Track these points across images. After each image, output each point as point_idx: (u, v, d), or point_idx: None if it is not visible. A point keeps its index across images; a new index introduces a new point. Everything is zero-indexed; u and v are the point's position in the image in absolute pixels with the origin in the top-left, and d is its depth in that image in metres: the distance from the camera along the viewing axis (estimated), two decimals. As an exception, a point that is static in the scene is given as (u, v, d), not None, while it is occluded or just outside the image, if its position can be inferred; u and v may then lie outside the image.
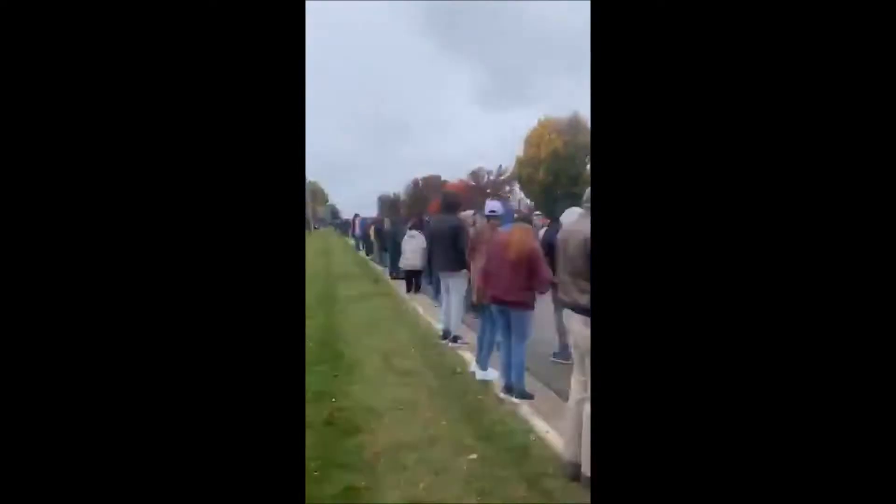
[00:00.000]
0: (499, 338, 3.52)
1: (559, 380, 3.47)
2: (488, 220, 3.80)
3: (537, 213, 6.83)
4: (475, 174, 46.65)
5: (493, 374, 3.61)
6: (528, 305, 3.20)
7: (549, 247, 3.29)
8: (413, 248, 8.14)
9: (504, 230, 3.54)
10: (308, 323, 5.37)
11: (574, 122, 30.43)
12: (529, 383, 3.41)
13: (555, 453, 2.55)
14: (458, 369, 3.95)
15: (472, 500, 2.16)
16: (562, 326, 3.74)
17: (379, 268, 12.43)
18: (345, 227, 29.07)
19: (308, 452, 2.39)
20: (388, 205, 50.72)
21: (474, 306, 4.80)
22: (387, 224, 12.14)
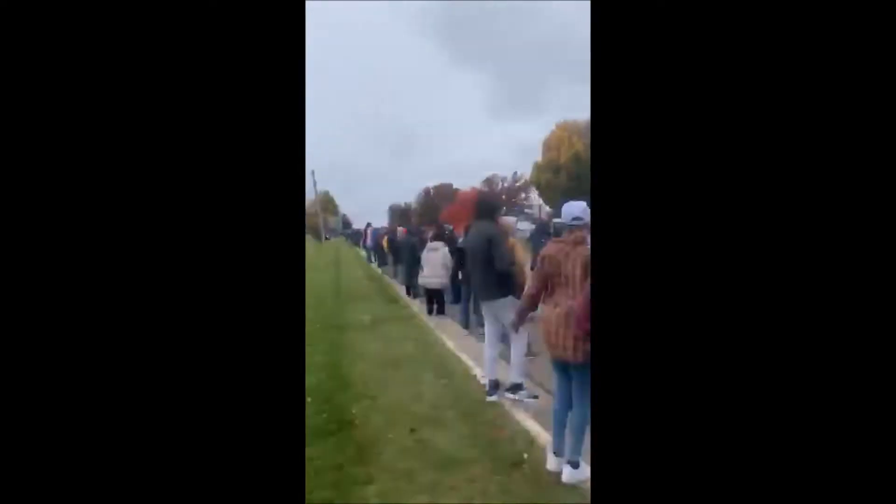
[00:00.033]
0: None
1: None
2: (570, 231, 2.46)
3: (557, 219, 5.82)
4: (489, 181, 45.52)
5: (585, 472, 2.33)
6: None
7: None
8: (434, 262, 6.92)
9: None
10: (309, 360, 4.17)
11: (594, 125, 28.59)
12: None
13: None
14: (525, 454, 2.64)
15: None
16: None
17: (393, 282, 11.24)
18: (356, 237, 28.07)
19: None
20: (400, 214, 49.79)
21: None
22: (401, 234, 10.97)
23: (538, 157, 33.11)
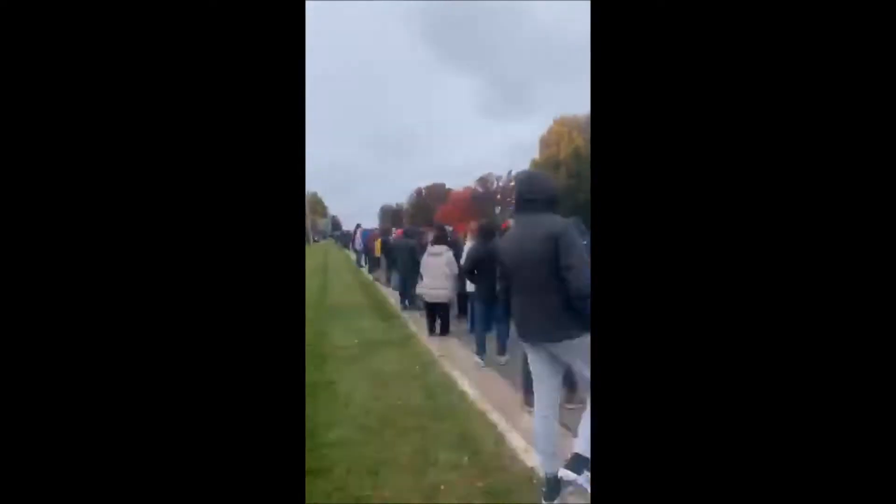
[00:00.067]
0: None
1: None
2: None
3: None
4: (483, 180, 44.33)
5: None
6: None
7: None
8: (437, 271, 5.67)
9: None
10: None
11: (594, 120, 27.58)
12: None
13: None
14: None
15: None
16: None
17: (386, 290, 9.95)
18: (346, 239, 26.75)
19: None
20: (391, 215, 48.55)
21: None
22: (395, 236, 9.70)
23: (535, 155, 32.00)
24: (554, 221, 2.02)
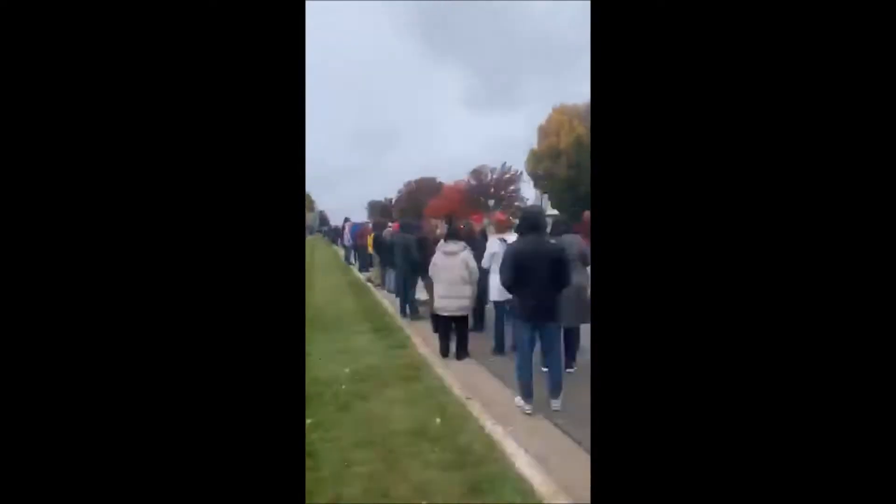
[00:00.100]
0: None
1: None
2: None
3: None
4: (477, 172, 42.95)
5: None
6: None
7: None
8: (453, 275, 4.41)
9: None
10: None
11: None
12: None
13: None
14: None
15: None
16: None
17: (379, 292, 8.62)
18: (334, 234, 25.32)
19: None
20: (380, 210, 47.00)
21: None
22: (390, 231, 8.36)
23: (533, 145, 30.65)
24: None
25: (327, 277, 11.35)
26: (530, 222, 3.26)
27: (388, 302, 7.64)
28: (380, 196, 61.67)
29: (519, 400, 3.24)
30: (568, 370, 3.82)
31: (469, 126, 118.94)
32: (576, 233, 4.07)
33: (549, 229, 3.76)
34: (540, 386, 3.29)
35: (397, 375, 3.87)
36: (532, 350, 3.23)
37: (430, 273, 4.61)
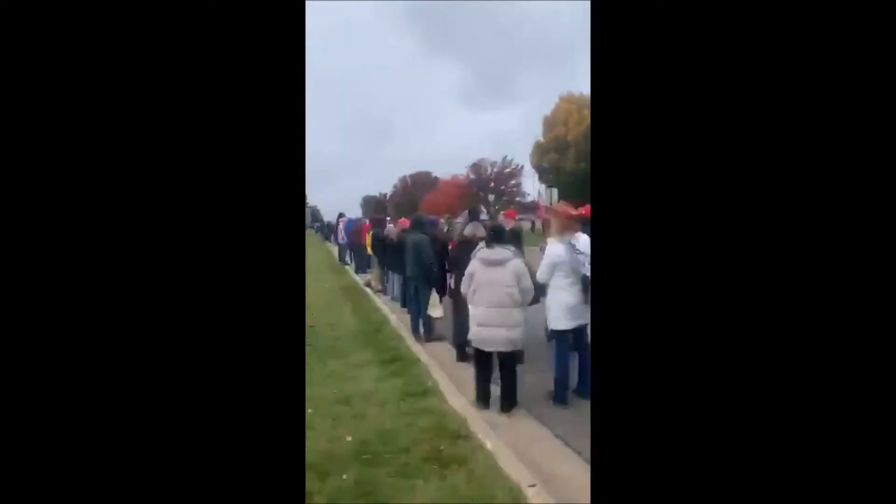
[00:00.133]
0: None
1: None
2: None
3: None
4: (477, 166, 41.59)
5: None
6: None
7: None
8: (500, 293, 3.13)
9: None
10: None
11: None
12: None
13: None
14: None
15: None
16: None
17: (381, 299, 7.33)
18: (327, 231, 23.93)
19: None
20: (374, 206, 45.60)
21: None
22: (395, 228, 7.06)
23: (539, 137, 29.33)
24: None
25: (320, 280, 10.03)
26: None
27: (394, 315, 6.36)
28: (373, 191, 60.33)
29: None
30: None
31: (465, 122, 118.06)
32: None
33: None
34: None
35: (427, 453, 2.57)
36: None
37: (464, 290, 3.33)
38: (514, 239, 4.25)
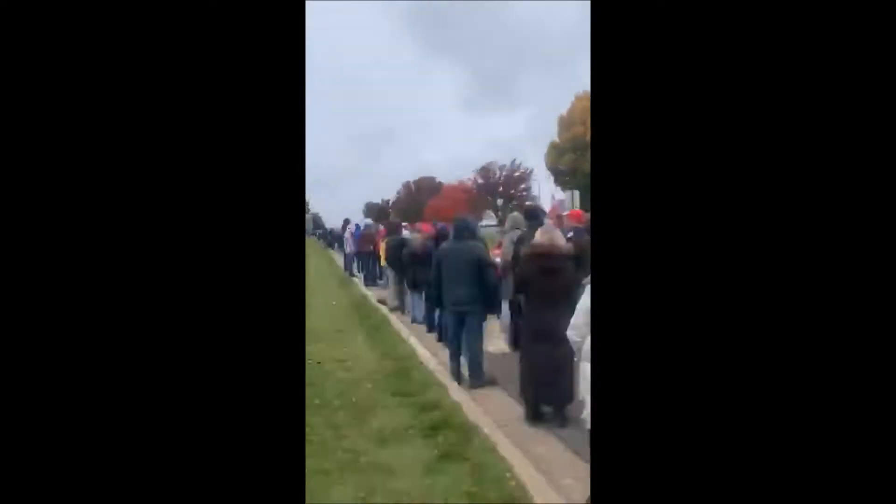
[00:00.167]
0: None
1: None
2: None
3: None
4: (485, 170, 40.40)
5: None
6: None
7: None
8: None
9: None
10: None
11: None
12: None
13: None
14: None
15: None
16: None
17: (400, 319, 6.04)
18: (331, 238, 22.67)
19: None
20: (377, 213, 44.44)
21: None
22: (421, 238, 5.77)
23: (554, 138, 28.05)
24: None
25: (325, 294, 8.75)
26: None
27: (420, 342, 5.06)
28: (374, 197, 59.32)
29: None
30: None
31: (465, 127, 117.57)
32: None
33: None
34: None
35: None
36: None
37: (578, 329, 2.05)
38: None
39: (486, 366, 3.92)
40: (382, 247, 7.39)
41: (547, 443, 2.82)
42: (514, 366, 3.43)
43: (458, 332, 3.94)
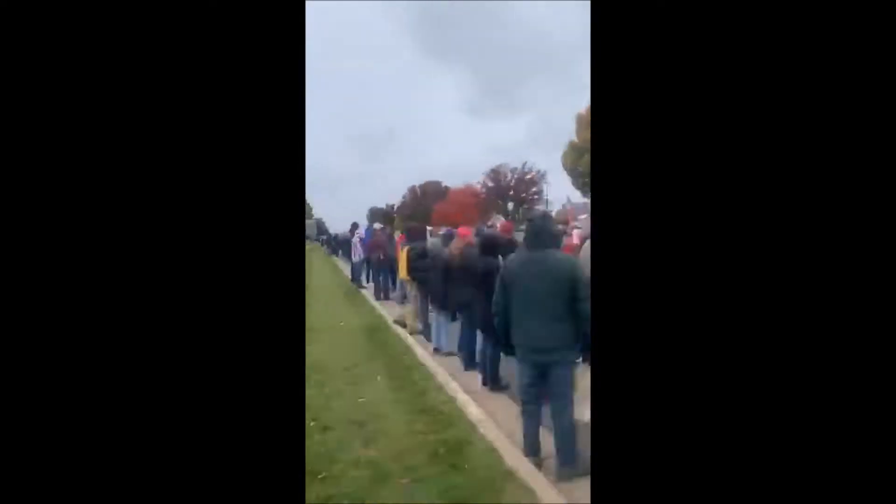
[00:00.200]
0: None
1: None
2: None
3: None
4: (496, 172, 39.09)
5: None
6: None
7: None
8: None
9: None
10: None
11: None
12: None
13: None
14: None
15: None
16: None
17: (420, 347, 4.68)
18: (335, 244, 21.38)
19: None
20: (381, 217, 43.31)
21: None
22: (457, 244, 4.45)
23: (573, 137, 26.69)
24: None
25: (330, 311, 7.43)
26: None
27: (457, 382, 3.73)
28: (378, 202, 58.25)
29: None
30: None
31: (467, 131, 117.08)
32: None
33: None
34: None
35: None
36: None
37: None
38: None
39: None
40: (402, 255, 6.06)
41: None
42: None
43: (536, 391, 2.61)
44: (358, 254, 10.41)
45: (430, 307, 5.50)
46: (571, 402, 2.54)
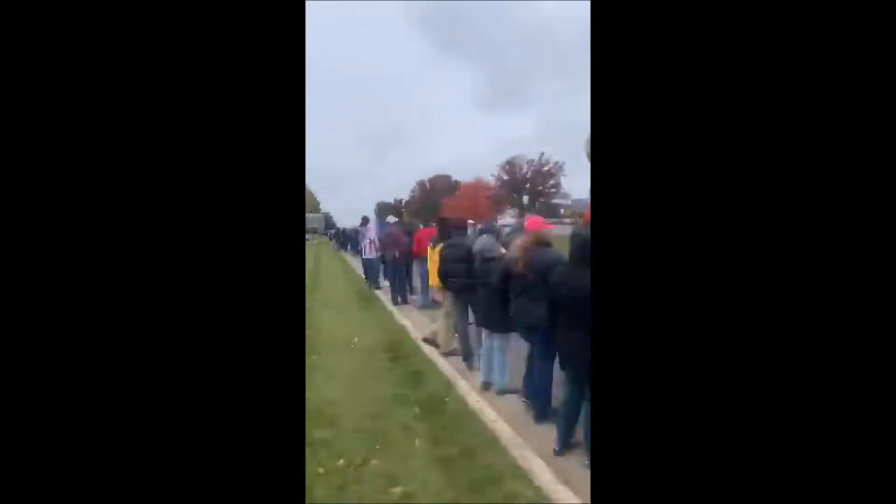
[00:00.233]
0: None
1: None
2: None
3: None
4: (511, 164, 37.63)
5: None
6: None
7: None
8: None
9: None
10: None
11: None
12: None
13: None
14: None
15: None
16: None
17: (466, 374, 3.39)
18: (344, 239, 20.22)
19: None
20: (389, 212, 42.27)
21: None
22: (519, 244, 3.17)
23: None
24: None
25: (343, 320, 6.16)
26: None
27: (521, 444, 2.43)
28: (386, 197, 57.18)
29: None
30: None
31: (478, 126, 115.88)
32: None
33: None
34: None
35: None
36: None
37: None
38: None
39: None
40: (433, 255, 4.79)
41: None
42: None
43: None
44: (370, 250, 9.15)
45: (470, 323, 4.23)
46: None
